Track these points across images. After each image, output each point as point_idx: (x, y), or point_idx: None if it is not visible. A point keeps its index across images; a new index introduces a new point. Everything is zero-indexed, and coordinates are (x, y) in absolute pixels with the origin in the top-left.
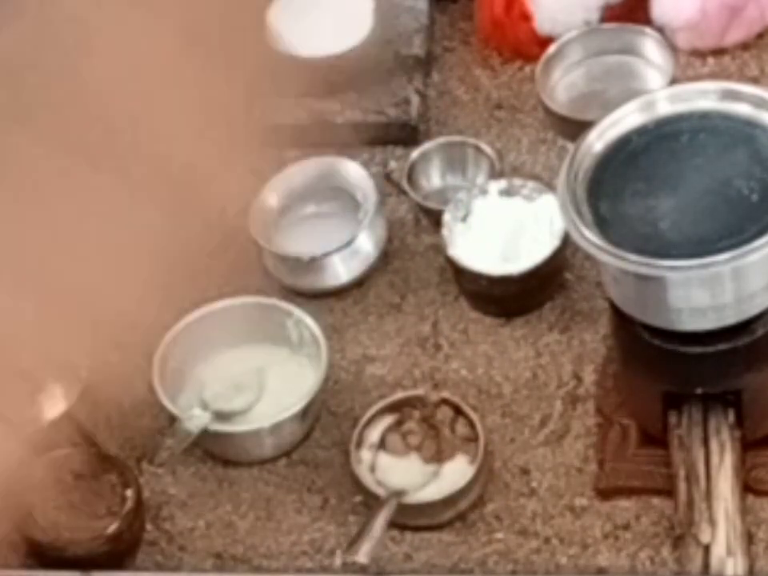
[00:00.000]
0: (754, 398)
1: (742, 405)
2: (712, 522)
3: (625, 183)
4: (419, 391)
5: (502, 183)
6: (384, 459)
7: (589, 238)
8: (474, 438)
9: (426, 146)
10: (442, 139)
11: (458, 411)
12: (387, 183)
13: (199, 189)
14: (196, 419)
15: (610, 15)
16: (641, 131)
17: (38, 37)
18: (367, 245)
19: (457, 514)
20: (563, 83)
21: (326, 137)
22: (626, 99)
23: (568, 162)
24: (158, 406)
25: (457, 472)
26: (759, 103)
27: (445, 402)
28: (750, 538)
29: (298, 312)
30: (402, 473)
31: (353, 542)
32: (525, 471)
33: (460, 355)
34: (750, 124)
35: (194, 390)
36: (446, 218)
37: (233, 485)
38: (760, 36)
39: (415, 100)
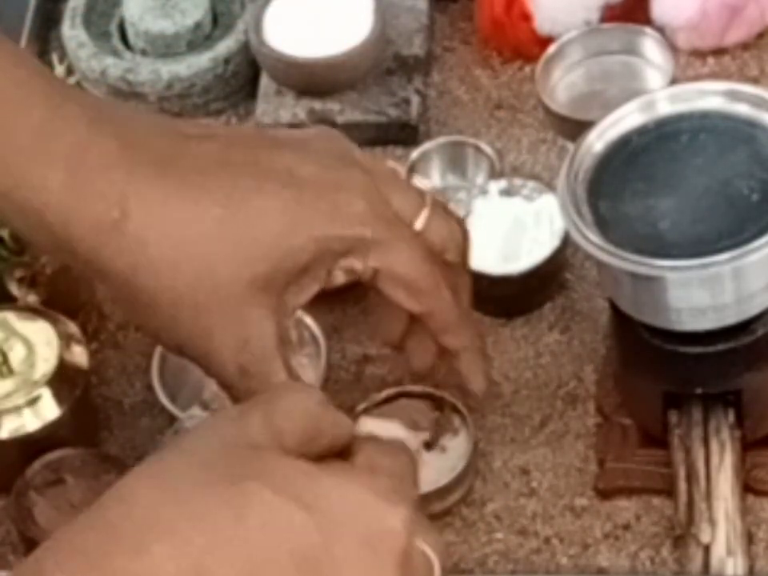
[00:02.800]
0: (754, 398)
1: (741, 405)
2: (712, 522)
3: (625, 183)
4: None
5: (501, 183)
6: None
7: (589, 238)
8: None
9: (426, 145)
10: (442, 139)
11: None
12: None
13: None
14: (196, 419)
15: (610, 15)
16: (641, 131)
17: None
18: None
19: (449, 505)
20: (563, 83)
21: None
22: (625, 99)
23: (568, 162)
24: (158, 405)
25: (455, 450)
26: (759, 103)
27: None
28: (750, 538)
29: (297, 311)
30: None
31: None
32: (525, 471)
33: None
34: (750, 124)
35: (194, 390)
36: None
37: None
38: (760, 36)
39: (415, 100)
